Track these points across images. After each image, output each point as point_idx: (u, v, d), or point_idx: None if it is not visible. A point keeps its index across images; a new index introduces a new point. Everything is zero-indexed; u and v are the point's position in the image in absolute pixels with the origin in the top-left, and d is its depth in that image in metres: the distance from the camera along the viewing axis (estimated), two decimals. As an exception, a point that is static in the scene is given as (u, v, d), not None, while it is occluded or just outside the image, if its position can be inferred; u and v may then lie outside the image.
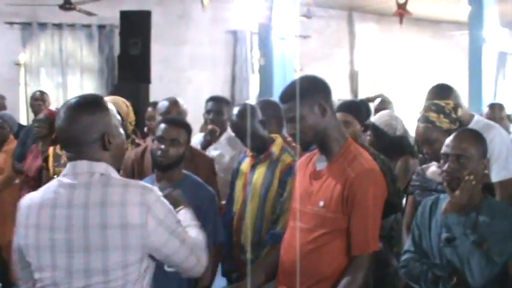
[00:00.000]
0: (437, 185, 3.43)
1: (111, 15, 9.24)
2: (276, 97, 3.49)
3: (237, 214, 3.83)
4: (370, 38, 13.14)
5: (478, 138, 2.97)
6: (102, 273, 2.13)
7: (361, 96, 11.25)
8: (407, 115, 4.04)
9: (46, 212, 2.17)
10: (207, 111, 4.93)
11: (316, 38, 12.04)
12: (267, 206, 3.66)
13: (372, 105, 6.43)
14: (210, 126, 4.77)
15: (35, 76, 10.09)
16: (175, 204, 2.51)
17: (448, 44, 13.42)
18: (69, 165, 2.23)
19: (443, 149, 2.98)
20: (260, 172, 3.74)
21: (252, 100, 10.23)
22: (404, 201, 4.02)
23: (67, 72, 10.28)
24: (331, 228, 2.73)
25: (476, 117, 4.09)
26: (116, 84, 8.72)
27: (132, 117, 4.59)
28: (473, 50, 10.37)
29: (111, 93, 6.81)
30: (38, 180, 5.31)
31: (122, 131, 2.34)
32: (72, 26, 10.17)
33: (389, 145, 4.73)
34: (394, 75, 13.13)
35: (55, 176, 4.88)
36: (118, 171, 2.36)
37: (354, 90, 12.95)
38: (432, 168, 3.59)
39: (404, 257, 3.09)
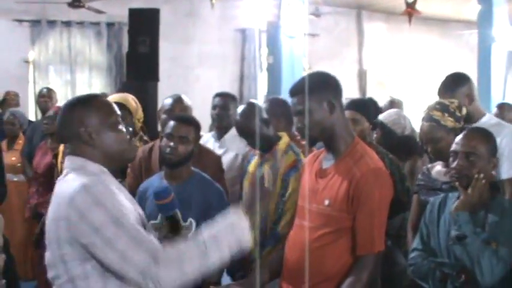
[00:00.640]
0: (442, 184, 3.42)
1: (119, 13, 9.24)
2: (284, 95, 3.49)
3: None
4: (378, 36, 13.12)
5: (487, 137, 2.96)
6: (53, 267, 2.18)
7: (370, 95, 11.21)
8: (416, 114, 4.03)
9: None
10: (213, 107, 4.93)
11: (324, 36, 12.03)
12: (270, 205, 3.65)
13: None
14: None
15: (43, 73, 10.13)
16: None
17: (457, 43, 13.38)
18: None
19: (453, 147, 2.97)
20: (264, 172, 3.73)
21: (261, 98, 10.26)
22: None
23: (75, 70, 10.32)
24: (336, 227, 2.72)
25: (488, 115, 4.06)
26: (124, 81, 8.71)
27: (140, 114, 4.58)
28: (482, 49, 10.35)
29: (120, 90, 6.82)
30: (47, 176, 5.34)
31: (118, 130, 2.34)
32: (80, 23, 10.21)
33: (397, 144, 4.71)
34: (403, 74, 13.10)
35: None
36: (122, 170, 2.38)
37: (363, 89, 12.94)
38: (437, 168, 3.58)
39: (412, 255, 3.08)
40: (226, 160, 4.47)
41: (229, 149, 4.64)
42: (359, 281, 2.65)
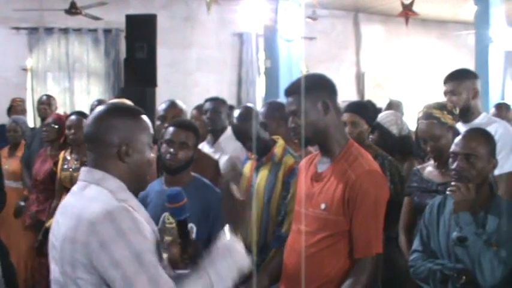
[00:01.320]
0: (437, 186, 3.42)
1: (116, 19, 9.25)
2: (282, 99, 3.48)
3: None
4: (376, 39, 13.12)
5: (487, 138, 2.97)
6: (61, 285, 2.06)
7: (368, 97, 11.22)
8: (415, 115, 4.05)
9: (56, 216, 2.17)
10: (204, 112, 4.95)
11: (322, 39, 12.04)
12: (272, 208, 3.64)
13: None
14: None
15: (41, 81, 10.13)
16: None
17: (455, 44, 13.40)
18: (81, 170, 2.21)
19: (452, 148, 2.97)
20: (263, 175, 3.73)
21: (259, 102, 10.26)
22: None
23: (74, 77, 10.32)
24: (333, 231, 2.72)
25: (484, 114, 4.11)
26: (122, 88, 8.71)
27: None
28: (480, 49, 10.36)
29: (118, 97, 6.81)
30: (46, 184, 5.34)
31: (150, 151, 2.22)
32: (78, 30, 10.22)
33: (394, 145, 4.72)
34: (401, 76, 13.11)
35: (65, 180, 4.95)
36: (136, 191, 2.27)
37: (361, 92, 12.94)
38: (428, 169, 3.59)
39: (412, 257, 3.09)
40: (221, 163, 4.48)
41: (224, 152, 4.66)
42: (357, 284, 2.64)
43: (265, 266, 3.48)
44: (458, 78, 4.02)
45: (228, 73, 11.33)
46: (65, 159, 5.04)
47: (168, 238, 3.09)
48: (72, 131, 4.93)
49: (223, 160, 4.53)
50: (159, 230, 3.16)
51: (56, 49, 10.19)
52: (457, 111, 3.56)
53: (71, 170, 4.94)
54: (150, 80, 7.87)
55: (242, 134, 3.76)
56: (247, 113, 3.78)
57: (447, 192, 2.94)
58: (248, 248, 3.73)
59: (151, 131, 2.23)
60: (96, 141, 2.14)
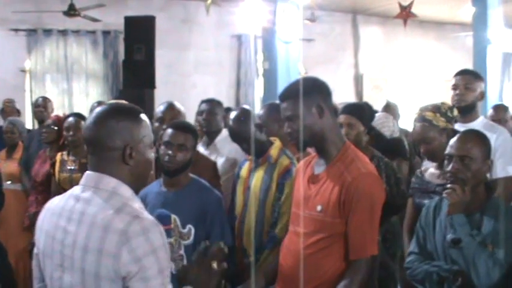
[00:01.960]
0: (435, 187, 3.44)
1: (115, 21, 9.27)
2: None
3: (238, 218, 3.84)
4: (374, 40, 13.14)
5: (482, 139, 2.98)
6: None
7: (366, 99, 11.23)
8: (413, 117, 4.08)
9: (53, 220, 2.13)
10: (199, 113, 4.97)
11: (320, 41, 12.05)
12: (266, 209, 3.67)
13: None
14: None
15: (40, 82, 10.13)
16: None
17: (453, 45, 13.41)
18: (85, 174, 2.14)
19: (448, 150, 2.99)
20: (258, 176, 3.75)
21: (257, 104, 10.27)
22: None
23: (72, 78, 10.32)
24: (329, 233, 2.72)
25: (482, 117, 4.14)
26: (120, 89, 8.73)
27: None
28: (478, 51, 10.37)
29: (116, 98, 6.85)
30: (45, 185, 5.34)
31: (152, 151, 2.20)
32: (76, 32, 10.22)
33: (386, 146, 4.74)
34: (399, 78, 13.12)
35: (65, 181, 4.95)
36: (136, 191, 2.24)
37: (359, 93, 12.95)
38: (431, 170, 3.61)
39: (408, 259, 3.10)
40: (218, 165, 4.49)
41: (219, 154, 4.67)
42: (352, 285, 2.65)
43: (261, 267, 3.50)
44: (473, 74, 4.10)
45: (226, 75, 11.34)
46: (62, 160, 5.04)
47: (168, 239, 3.12)
48: (71, 132, 4.95)
49: (219, 162, 4.54)
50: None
51: (55, 51, 10.19)
52: (455, 112, 3.58)
53: (69, 171, 4.95)
54: (149, 82, 7.89)
55: (239, 136, 3.78)
56: (244, 115, 3.80)
57: (443, 195, 2.95)
58: (244, 249, 3.77)
59: (150, 129, 2.20)
60: (99, 145, 2.09)
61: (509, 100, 10.94)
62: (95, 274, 1.96)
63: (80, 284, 2.01)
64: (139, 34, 7.93)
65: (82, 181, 2.13)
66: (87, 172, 2.13)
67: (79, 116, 5.07)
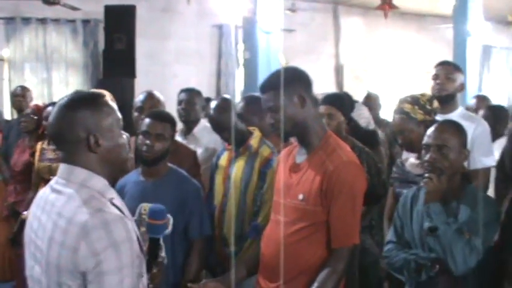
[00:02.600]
0: (415, 177, 3.47)
1: (95, 10, 9.19)
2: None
3: (217, 208, 3.84)
4: (355, 31, 13.15)
5: (458, 129, 3.01)
6: (42, 285, 2.02)
7: (347, 89, 11.26)
8: (393, 108, 4.10)
9: (33, 209, 2.13)
10: (179, 102, 4.96)
11: (301, 31, 12.04)
12: (248, 198, 3.67)
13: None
14: None
15: (19, 71, 10.02)
16: None
17: (433, 37, 13.47)
18: (60, 166, 2.12)
19: (425, 140, 3.01)
20: (239, 166, 3.75)
21: (238, 94, 10.26)
22: None
23: (51, 68, 10.21)
24: (311, 222, 2.73)
25: (461, 108, 4.18)
26: (100, 79, 8.67)
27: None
28: (458, 43, 10.42)
29: (96, 88, 6.77)
30: (25, 174, 5.31)
31: (121, 136, 2.15)
32: (56, 20, 10.10)
33: (363, 137, 4.77)
34: (380, 69, 13.16)
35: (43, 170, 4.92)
36: (114, 180, 2.20)
37: (339, 84, 12.96)
38: (411, 160, 3.64)
39: (387, 248, 3.13)
40: (197, 154, 4.49)
41: (198, 144, 4.67)
42: (334, 273, 2.66)
43: (242, 256, 3.51)
44: (454, 66, 4.14)
45: (207, 65, 11.30)
46: (42, 150, 5.02)
47: (143, 229, 3.10)
48: (50, 122, 4.92)
49: (198, 152, 4.54)
50: (135, 221, 3.17)
51: (34, 39, 10.07)
52: (434, 104, 3.61)
53: (49, 160, 4.92)
54: (129, 71, 7.86)
55: (219, 125, 3.78)
56: (225, 104, 3.79)
57: (421, 184, 2.98)
58: (225, 239, 3.78)
59: (117, 113, 2.16)
60: (63, 140, 2.07)
61: (488, 92, 11.00)
62: (57, 266, 1.94)
63: (45, 276, 1.99)
64: (120, 23, 7.89)
65: (58, 173, 2.12)
66: (61, 164, 2.11)
67: (58, 106, 5.04)
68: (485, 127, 4.08)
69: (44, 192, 2.14)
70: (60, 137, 2.07)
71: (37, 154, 5.04)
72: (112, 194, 2.11)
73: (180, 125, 4.91)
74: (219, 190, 3.86)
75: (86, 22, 10.20)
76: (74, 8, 9.05)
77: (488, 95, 7.32)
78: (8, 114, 9.28)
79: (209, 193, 3.94)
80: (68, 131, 2.04)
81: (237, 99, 8.18)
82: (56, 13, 9.70)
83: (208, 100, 5.80)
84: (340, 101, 4.19)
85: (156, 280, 2.68)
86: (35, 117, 5.40)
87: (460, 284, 2.86)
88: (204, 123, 4.88)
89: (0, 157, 6.18)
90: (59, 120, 2.06)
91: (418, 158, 3.47)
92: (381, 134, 5.62)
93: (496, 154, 4.14)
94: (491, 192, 4.01)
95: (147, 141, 3.41)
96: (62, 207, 1.99)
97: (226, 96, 4.02)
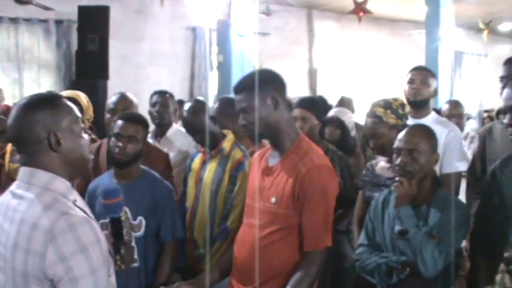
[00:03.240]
0: (386, 180, 3.50)
1: (68, 10, 9.12)
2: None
3: (189, 210, 3.83)
4: (329, 35, 13.23)
5: (429, 133, 3.05)
6: None
7: (320, 93, 11.31)
8: (365, 112, 4.15)
9: None
10: (152, 104, 4.93)
11: (275, 35, 12.09)
12: (219, 201, 3.68)
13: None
14: None
15: (-10, 71, 9.92)
16: None
17: (406, 42, 13.61)
18: (19, 169, 2.08)
19: (396, 144, 3.04)
20: (211, 168, 3.75)
21: (211, 97, 10.25)
22: None
23: (23, 68, 10.12)
24: (283, 225, 2.73)
25: (433, 113, 4.22)
26: (73, 80, 8.61)
27: (90, 113, 4.55)
28: (430, 48, 10.56)
29: (69, 89, 6.73)
30: (-5, 176, 5.25)
31: (82, 137, 2.12)
32: (28, 20, 10.01)
33: (349, 143, 4.84)
34: (353, 73, 13.25)
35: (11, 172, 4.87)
36: (86, 183, 2.16)
37: (313, 88, 13.03)
38: (381, 164, 3.67)
39: (358, 251, 3.14)
40: (170, 156, 4.48)
41: (171, 147, 4.65)
42: (306, 276, 2.66)
43: (214, 259, 3.51)
44: (429, 71, 4.17)
45: (180, 67, 11.28)
46: (13, 151, 4.96)
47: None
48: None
49: (171, 154, 4.53)
50: (105, 223, 3.16)
51: (5, 39, 9.98)
52: (406, 108, 3.64)
53: (20, 161, 4.86)
54: (102, 73, 7.81)
55: (192, 127, 3.77)
56: (199, 106, 3.79)
57: (391, 187, 3.00)
58: (195, 241, 3.77)
59: (77, 113, 2.12)
60: (23, 141, 2.03)
61: (459, 97, 11.14)
62: (24, 274, 1.91)
63: (10, 284, 1.95)
64: (93, 24, 7.84)
65: (18, 176, 2.07)
66: (21, 167, 2.07)
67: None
68: (457, 132, 4.13)
69: (4, 198, 2.09)
70: (20, 138, 2.03)
71: (7, 155, 4.98)
72: (75, 195, 2.07)
73: (150, 127, 4.90)
74: (191, 192, 3.86)
75: (59, 22, 10.13)
76: (46, 8, 8.97)
77: (460, 100, 7.40)
78: (-22, 114, 9.16)
79: (182, 195, 3.94)
80: (27, 131, 2.00)
81: (210, 102, 8.18)
82: (29, 13, 9.62)
83: (181, 102, 5.79)
84: (315, 105, 4.20)
85: (126, 259, 2.66)
86: (5, 118, 5.33)
87: (430, 286, 2.88)
88: (176, 126, 4.87)
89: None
90: (18, 121, 2.02)
91: (389, 161, 3.50)
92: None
93: None
94: (462, 197, 4.05)
95: (120, 144, 3.38)
96: (25, 213, 1.95)
97: (200, 98, 4.01)
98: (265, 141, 3.35)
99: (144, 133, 3.51)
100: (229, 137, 3.81)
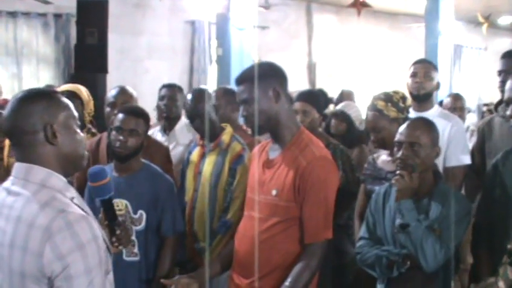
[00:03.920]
0: (386, 174, 3.50)
1: (67, 4, 9.09)
2: (233, 87, 3.50)
3: (188, 204, 3.83)
4: (328, 29, 13.20)
5: (430, 127, 3.04)
6: None
7: (319, 87, 11.30)
8: (365, 106, 4.15)
9: None
10: (161, 98, 4.93)
11: (274, 29, 12.06)
12: (218, 194, 3.68)
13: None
14: None
15: (-12, 66, 9.90)
16: None
17: (405, 36, 13.59)
18: (14, 165, 2.06)
19: (397, 137, 3.04)
20: (210, 161, 3.75)
21: (210, 90, 10.23)
22: None
23: (22, 62, 10.09)
24: (284, 217, 2.74)
25: (436, 106, 4.22)
26: (72, 74, 8.59)
27: (91, 107, 4.54)
28: (429, 42, 10.56)
29: (68, 83, 6.72)
30: (-8, 171, 5.24)
31: (78, 132, 2.11)
32: (27, 14, 9.98)
33: (356, 137, 4.85)
34: (352, 67, 13.23)
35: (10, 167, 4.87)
36: (72, 172, 2.16)
37: (312, 82, 13.01)
38: (383, 157, 3.67)
39: (359, 244, 3.15)
40: (176, 153, 4.47)
41: (179, 143, 4.64)
42: (307, 268, 2.67)
43: (215, 252, 3.51)
44: (431, 64, 4.17)
45: (179, 61, 11.25)
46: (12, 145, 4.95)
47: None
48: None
49: (178, 150, 4.52)
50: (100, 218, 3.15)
51: (4, 33, 9.94)
52: (408, 102, 3.64)
53: (15, 156, 4.85)
54: (101, 66, 7.80)
55: (194, 115, 3.76)
56: (201, 94, 3.78)
57: (392, 181, 3.00)
58: (195, 235, 3.77)
59: (73, 110, 2.11)
60: (19, 133, 2.01)
61: (459, 90, 11.14)
62: (21, 273, 1.90)
63: (7, 283, 1.94)
64: (92, 18, 7.83)
65: (13, 172, 2.06)
66: (16, 163, 2.05)
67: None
68: (461, 125, 4.14)
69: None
70: (15, 130, 2.01)
71: (6, 150, 4.97)
72: (72, 192, 2.06)
73: (154, 120, 4.88)
74: (190, 186, 3.86)
75: (57, 16, 10.08)
76: (45, 2, 8.95)
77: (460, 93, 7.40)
78: (-23, 109, 9.15)
79: (180, 189, 3.93)
80: (23, 121, 1.99)
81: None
82: (27, 6, 9.59)
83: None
84: (315, 98, 4.20)
85: (123, 240, 2.65)
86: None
87: (431, 280, 2.89)
88: (184, 120, 4.86)
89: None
90: (14, 113, 2.01)
91: (390, 154, 3.49)
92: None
93: None
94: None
95: (120, 137, 3.38)
96: (22, 211, 1.93)
97: (203, 86, 4.01)
98: (259, 138, 3.35)
99: (145, 127, 3.51)
100: (228, 129, 3.81)
